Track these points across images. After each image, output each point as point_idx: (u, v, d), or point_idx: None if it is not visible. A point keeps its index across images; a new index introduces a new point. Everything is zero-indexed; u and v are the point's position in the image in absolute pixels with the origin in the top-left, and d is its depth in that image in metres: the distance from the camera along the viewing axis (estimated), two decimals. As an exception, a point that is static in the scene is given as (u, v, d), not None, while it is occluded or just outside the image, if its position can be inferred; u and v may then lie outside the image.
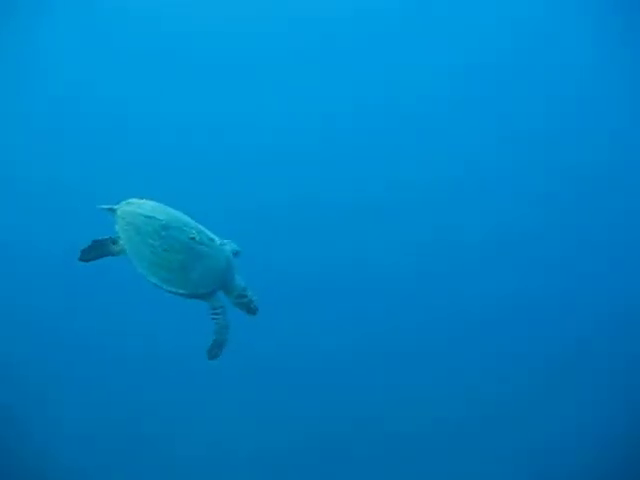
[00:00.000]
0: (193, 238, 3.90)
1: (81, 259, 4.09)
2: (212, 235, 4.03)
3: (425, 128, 8.62)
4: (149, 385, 7.45)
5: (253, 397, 7.62)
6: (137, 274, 4.00)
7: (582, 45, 8.47)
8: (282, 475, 7.54)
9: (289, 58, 8.47)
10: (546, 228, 8.48)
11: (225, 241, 4.14)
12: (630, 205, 8.36)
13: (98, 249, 4.05)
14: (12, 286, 7.50)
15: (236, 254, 4.16)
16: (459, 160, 8.53)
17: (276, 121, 8.35)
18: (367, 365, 7.91)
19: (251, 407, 7.62)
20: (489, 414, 7.80)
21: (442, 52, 8.66)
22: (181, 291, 3.93)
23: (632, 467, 7.25)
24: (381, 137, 8.59)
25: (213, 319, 4.07)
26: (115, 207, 4.00)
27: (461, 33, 8.64)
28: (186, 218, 3.98)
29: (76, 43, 8.15)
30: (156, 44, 8.26)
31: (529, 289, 8.33)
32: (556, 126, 8.58)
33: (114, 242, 4.01)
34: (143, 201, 4.02)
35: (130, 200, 4.02)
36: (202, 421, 7.59)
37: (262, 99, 8.40)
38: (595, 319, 8.09)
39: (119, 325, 7.47)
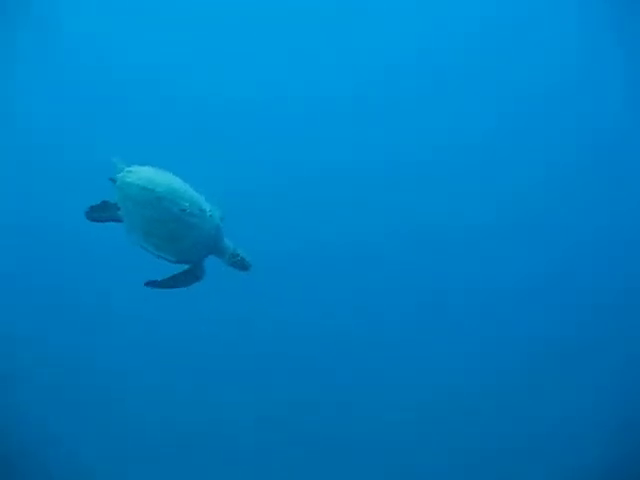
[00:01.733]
0: (184, 210, 4.12)
1: (88, 216, 4.28)
2: (203, 205, 4.24)
3: (425, 107, 8.63)
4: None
5: (241, 373, 7.78)
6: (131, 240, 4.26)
7: (583, 32, 8.45)
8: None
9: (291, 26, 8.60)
10: (547, 216, 8.46)
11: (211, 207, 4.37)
12: (631, 194, 8.35)
13: (106, 211, 4.26)
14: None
15: (222, 219, 4.39)
16: (459, 146, 8.57)
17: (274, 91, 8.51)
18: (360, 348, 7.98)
19: (238, 381, 7.77)
20: (484, 400, 7.80)
21: (442, 35, 8.69)
22: (170, 257, 4.18)
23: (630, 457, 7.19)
24: (382, 115, 8.64)
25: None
26: (115, 177, 4.25)
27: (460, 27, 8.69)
28: (181, 189, 4.19)
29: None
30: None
31: (528, 275, 8.32)
32: (557, 111, 8.57)
33: (119, 208, 4.24)
34: (142, 169, 4.23)
35: (130, 169, 4.25)
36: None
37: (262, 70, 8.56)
38: (594, 307, 8.06)
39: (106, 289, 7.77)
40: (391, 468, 7.64)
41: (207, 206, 4.26)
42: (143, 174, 4.18)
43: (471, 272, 8.33)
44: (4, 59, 8.09)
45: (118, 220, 4.25)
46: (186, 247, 4.16)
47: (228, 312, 7.51)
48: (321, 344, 7.90)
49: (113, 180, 4.25)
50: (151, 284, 4.27)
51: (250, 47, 8.60)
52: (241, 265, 4.36)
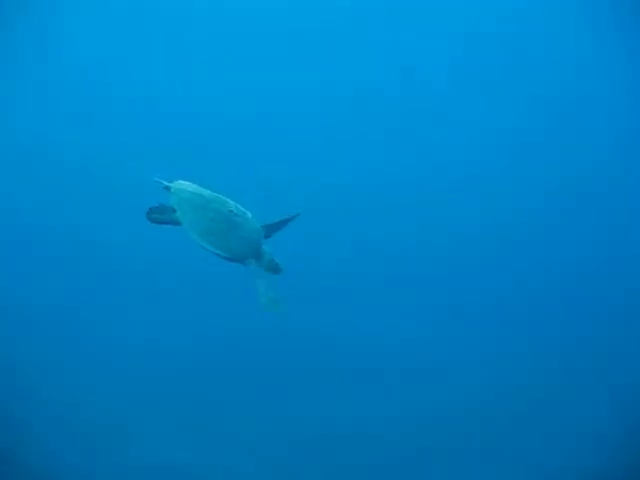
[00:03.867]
0: (231, 211, 4.81)
1: (148, 217, 4.85)
2: (245, 210, 4.91)
3: (432, 122, 8.61)
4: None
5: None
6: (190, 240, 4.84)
7: (585, 46, 8.50)
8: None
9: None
10: (565, 223, 8.45)
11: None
12: (630, 205, 8.35)
13: (163, 214, 4.85)
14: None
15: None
16: (463, 160, 8.56)
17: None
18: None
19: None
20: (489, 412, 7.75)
21: (443, 47, 8.70)
22: (223, 254, 4.86)
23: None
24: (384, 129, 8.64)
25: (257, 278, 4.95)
26: (170, 185, 4.86)
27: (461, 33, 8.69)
28: (220, 196, 4.88)
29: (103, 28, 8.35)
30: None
31: (529, 287, 8.33)
32: (556, 123, 8.59)
33: (174, 211, 4.83)
34: (187, 183, 4.89)
35: (178, 181, 4.90)
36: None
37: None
38: (596, 319, 8.06)
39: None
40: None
41: (248, 212, 4.90)
42: (189, 185, 4.87)
43: (488, 279, 8.33)
44: (4, 65, 8.07)
45: (176, 223, 4.83)
46: (236, 244, 4.84)
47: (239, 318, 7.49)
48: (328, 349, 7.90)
49: (167, 188, 4.84)
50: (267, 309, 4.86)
51: (258, 52, 8.62)
52: (275, 269, 4.96)
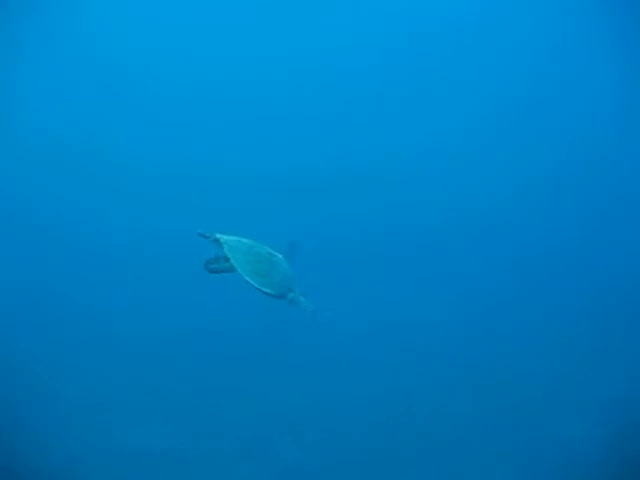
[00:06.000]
0: (270, 252, 5.64)
1: (206, 268, 5.58)
2: (275, 252, 5.73)
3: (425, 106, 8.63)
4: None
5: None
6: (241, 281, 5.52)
7: (580, 38, 8.55)
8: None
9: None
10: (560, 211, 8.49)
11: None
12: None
13: (218, 263, 5.56)
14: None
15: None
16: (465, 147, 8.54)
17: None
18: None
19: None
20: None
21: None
22: (272, 292, 5.62)
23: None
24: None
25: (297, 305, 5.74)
26: (217, 237, 5.59)
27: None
28: (257, 242, 5.61)
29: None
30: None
31: (533, 281, 8.35)
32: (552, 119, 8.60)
33: (227, 260, 5.53)
34: (225, 235, 5.63)
35: (218, 234, 5.63)
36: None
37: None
38: (597, 317, 8.10)
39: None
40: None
41: (277, 253, 5.74)
42: (229, 236, 5.62)
43: (487, 273, 8.36)
44: (14, 56, 8.07)
45: (230, 270, 5.53)
46: (278, 280, 5.60)
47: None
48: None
49: (217, 240, 5.58)
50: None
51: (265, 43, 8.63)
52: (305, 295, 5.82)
